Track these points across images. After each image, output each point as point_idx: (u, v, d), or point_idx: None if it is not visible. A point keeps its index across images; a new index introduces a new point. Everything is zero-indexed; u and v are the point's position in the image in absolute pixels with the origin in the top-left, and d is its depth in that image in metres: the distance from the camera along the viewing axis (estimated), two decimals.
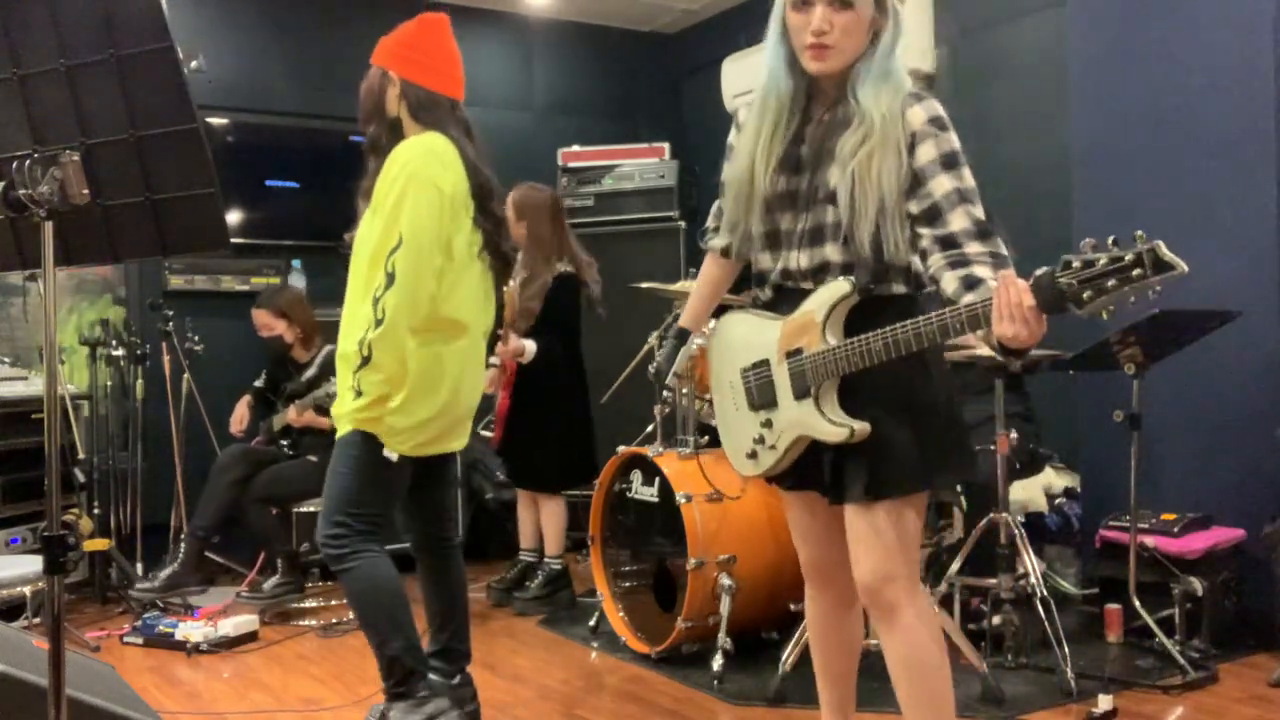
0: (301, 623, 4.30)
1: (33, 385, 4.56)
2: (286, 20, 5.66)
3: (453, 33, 2.95)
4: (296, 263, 5.56)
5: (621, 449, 3.91)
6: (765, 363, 2.13)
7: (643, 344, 4.59)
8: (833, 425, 2.02)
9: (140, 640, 4.01)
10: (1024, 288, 1.72)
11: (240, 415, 4.72)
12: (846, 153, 2.00)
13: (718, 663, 3.40)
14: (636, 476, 3.83)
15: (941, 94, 5.04)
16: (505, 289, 4.01)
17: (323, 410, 4.34)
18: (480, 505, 5.35)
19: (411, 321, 2.67)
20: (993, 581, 3.43)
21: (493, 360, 4.33)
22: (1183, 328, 3.39)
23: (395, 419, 2.70)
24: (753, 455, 2.19)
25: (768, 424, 2.13)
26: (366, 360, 2.66)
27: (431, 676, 2.94)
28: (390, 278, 2.65)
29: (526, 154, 5.76)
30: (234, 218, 5.39)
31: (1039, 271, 1.73)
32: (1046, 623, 3.27)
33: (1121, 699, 3.11)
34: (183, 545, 4.37)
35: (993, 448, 3.40)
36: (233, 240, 5.03)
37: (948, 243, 1.93)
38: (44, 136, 1.98)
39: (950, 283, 1.89)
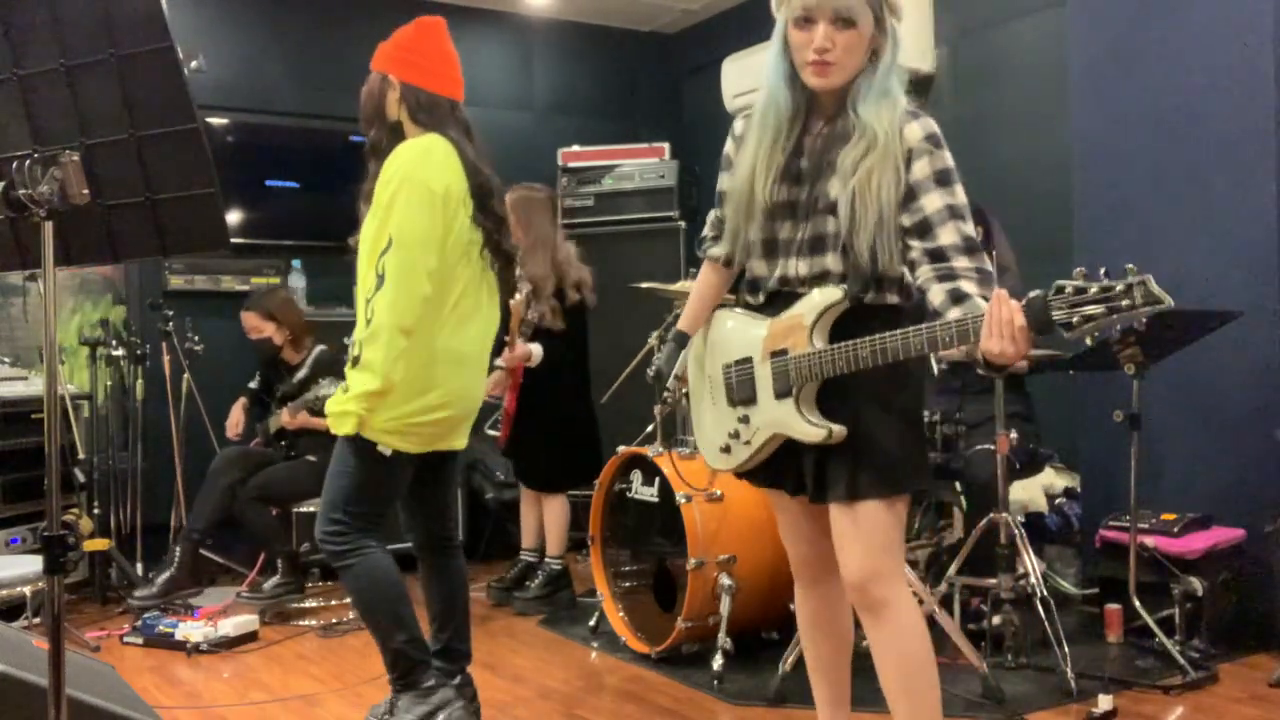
0: (301, 623, 4.30)
1: (33, 385, 4.56)
2: (286, 20, 5.66)
3: (449, 35, 2.96)
4: (296, 263, 5.56)
5: (621, 449, 3.91)
6: (749, 360, 2.19)
7: (643, 344, 4.59)
8: (811, 426, 2.08)
9: (140, 640, 4.01)
10: (1016, 308, 1.79)
11: (236, 419, 4.72)
12: (848, 166, 2.05)
13: (718, 663, 3.40)
14: (636, 476, 3.83)
15: (941, 94, 5.07)
16: (512, 302, 4.02)
17: (317, 412, 4.34)
18: (480, 505, 5.35)
19: (402, 322, 2.67)
20: (993, 581, 3.43)
21: (497, 363, 4.33)
22: (1183, 328, 3.39)
23: (380, 416, 2.71)
24: (726, 449, 2.26)
25: (745, 420, 2.20)
26: (356, 360, 2.69)
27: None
28: (380, 279, 2.67)
29: (526, 154, 5.76)
30: (234, 218, 5.39)
31: (1032, 294, 1.80)
32: (1046, 623, 3.27)
33: (1121, 699, 3.11)
34: (178, 549, 4.38)
35: (993, 448, 3.40)
36: (233, 240, 5.03)
37: (937, 256, 2.00)
38: (44, 136, 1.98)
39: (938, 295, 1.97)
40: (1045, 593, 3.33)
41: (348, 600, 4.55)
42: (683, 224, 5.65)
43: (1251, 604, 3.65)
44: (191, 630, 3.93)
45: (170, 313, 4.88)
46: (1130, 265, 1.72)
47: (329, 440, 2.85)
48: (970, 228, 2.03)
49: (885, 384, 2.07)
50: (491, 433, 4.58)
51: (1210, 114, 3.75)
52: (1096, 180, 4.10)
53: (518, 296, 4.12)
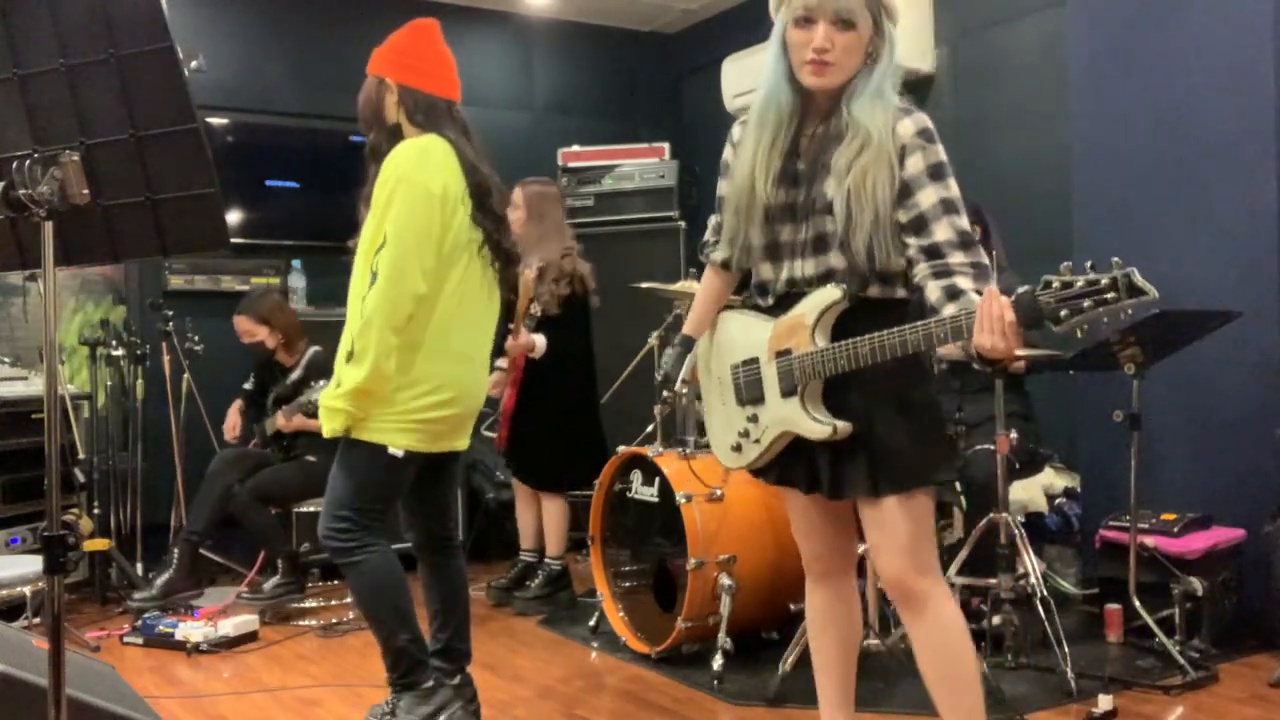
0: (301, 623, 4.30)
1: (33, 385, 4.56)
2: (286, 20, 5.66)
3: (443, 36, 2.97)
4: (296, 263, 5.56)
5: (621, 449, 3.92)
6: (755, 360, 2.23)
7: (643, 344, 4.59)
8: (816, 423, 2.11)
9: (140, 640, 4.01)
10: (1006, 303, 1.82)
11: (233, 422, 4.72)
12: (842, 165, 2.08)
13: (718, 663, 3.40)
14: (636, 476, 3.83)
15: (941, 94, 5.07)
16: (522, 274, 4.03)
17: (312, 414, 4.34)
18: (480, 505, 5.35)
19: (394, 320, 2.68)
20: (993, 581, 3.43)
21: (499, 364, 4.33)
22: (1183, 328, 3.39)
23: (388, 413, 2.72)
24: (737, 448, 2.29)
25: (754, 419, 2.23)
26: (350, 355, 2.71)
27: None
28: (374, 276, 2.69)
29: (526, 154, 5.76)
30: (234, 218, 5.39)
31: (1020, 289, 1.83)
32: (1046, 623, 3.27)
33: (1121, 699, 3.11)
34: (176, 550, 4.38)
35: (992, 448, 3.41)
36: (233, 240, 5.04)
37: (932, 252, 2.03)
38: (44, 136, 1.98)
39: (934, 291, 2.00)
40: (1045, 593, 3.33)
41: (348, 600, 4.55)
42: (683, 224, 5.65)
43: (1251, 604, 3.65)
44: (191, 630, 3.93)
45: (170, 313, 4.88)
46: (1116, 259, 1.75)
47: (327, 441, 2.85)
48: (964, 221, 2.06)
49: (899, 379, 2.10)
50: (488, 434, 4.58)
51: (1210, 114, 3.75)
52: (1096, 180, 4.10)
53: (528, 272, 4.10)
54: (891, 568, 2.16)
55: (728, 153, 2.29)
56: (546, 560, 4.52)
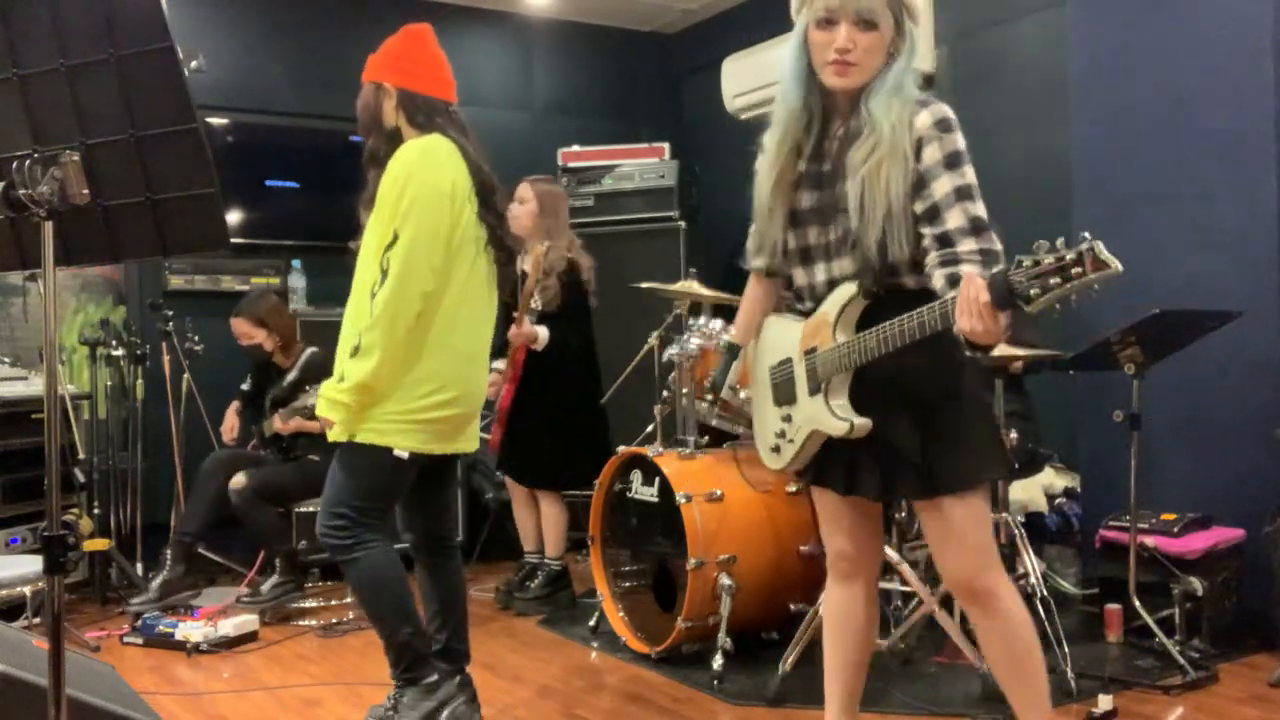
0: (301, 623, 4.30)
1: (33, 385, 4.56)
2: (286, 20, 5.66)
3: (443, 36, 3.00)
4: (296, 263, 5.56)
5: (621, 449, 3.91)
6: (788, 360, 2.26)
7: (643, 344, 4.58)
8: (836, 420, 2.13)
9: (140, 640, 4.01)
10: (981, 285, 1.83)
11: (231, 423, 4.72)
12: (857, 161, 2.09)
13: (718, 663, 3.40)
14: (636, 476, 3.83)
15: (941, 94, 5.07)
16: (534, 251, 4.03)
17: (310, 417, 4.34)
18: (480, 505, 5.35)
19: (405, 318, 2.70)
20: None
21: (495, 365, 4.33)
22: (1183, 328, 3.39)
23: (376, 408, 2.73)
24: (775, 449, 2.32)
25: (788, 419, 2.26)
26: (357, 349, 2.71)
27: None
28: (385, 274, 2.70)
29: (526, 154, 5.76)
30: (234, 218, 5.39)
31: (995, 269, 1.86)
32: (1046, 623, 3.27)
33: (1121, 699, 3.11)
34: (170, 553, 4.38)
35: None
36: (233, 240, 5.04)
37: (943, 241, 2.04)
38: (44, 136, 1.98)
39: (939, 280, 2.01)
40: (1045, 593, 3.33)
41: (348, 600, 4.55)
42: (683, 224, 5.65)
43: (1251, 604, 3.65)
44: (191, 630, 3.93)
45: (170, 313, 4.88)
46: (1085, 234, 1.75)
47: (327, 440, 2.86)
48: (979, 207, 2.05)
49: (946, 377, 2.11)
50: (484, 435, 4.55)
51: (1210, 114, 3.75)
52: (1096, 180, 4.10)
53: (538, 248, 4.09)
54: (953, 567, 2.18)
55: (759, 160, 2.30)
56: (546, 560, 4.51)
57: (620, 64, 6.62)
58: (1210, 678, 3.30)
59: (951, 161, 2.05)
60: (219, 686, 3.56)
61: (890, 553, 3.39)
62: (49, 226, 1.87)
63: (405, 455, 2.77)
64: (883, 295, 2.10)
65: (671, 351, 3.84)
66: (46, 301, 1.92)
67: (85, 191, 1.89)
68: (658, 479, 3.68)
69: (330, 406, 2.75)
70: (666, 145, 5.88)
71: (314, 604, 4.56)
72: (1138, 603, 3.48)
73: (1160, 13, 3.90)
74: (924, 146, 2.06)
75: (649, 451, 3.74)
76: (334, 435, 2.80)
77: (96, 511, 4.70)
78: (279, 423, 4.49)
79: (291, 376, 4.62)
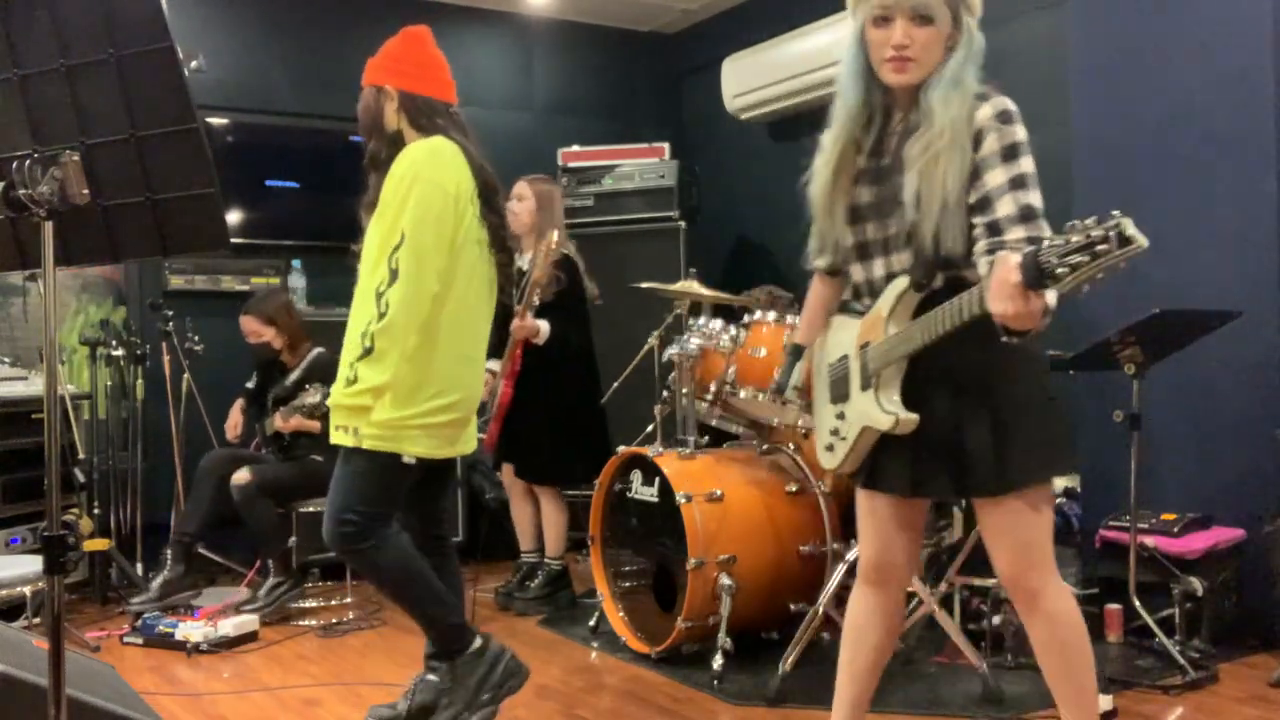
0: (301, 623, 4.30)
1: (33, 385, 4.56)
2: (286, 20, 5.66)
3: (443, 36, 3.01)
4: (296, 263, 5.56)
5: (621, 449, 3.91)
6: (845, 358, 2.26)
7: (642, 344, 4.59)
8: (883, 413, 2.12)
9: (140, 640, 4.01)
10: (1012, 266, 1.80)
11: (234, 421, 4.73)
12: (915, 154, 2.09)
13: (718, 663, 3.40)
14: (636, 476, 3.83)
15: None
16: (546, 241, 4.03)
17: (310, 416, 4.36)
18: (480, 505, 5.35)
19: (416, 318, 2.70)
20: (993, 581, 3.42)
21: (490, 366, 4.32)
22: (1183, 328, 3.39)
23: (383, 413, 2.72)
24: (829, 448, 2.31)
25: (841, 416, 2.26)
26: (369, 351, 2.69)
27: (430, 677, 2.95)
28: (394, 274, 2.69)
29: (526, 154, 5.75)
30: (234, 218, 5.39)
31: (1026, 249, 1.82)
32: None
33: (1121, 699, 3.11)
34: (170, 552, 4.38)
35: None
36: (233, 240, 5.03)
37: (992, 229, 2.03)
38: (44, 136, 1.98)
39: (983, 267, 1.99)
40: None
41: (348, 600, 4.56)
42: (682, 224, 5.65)
43: (1251, 604, 3.65)
44: (191, 630, 3.93)
45: (170, 313, 4.88)
46: (1115, 211, 1.74)
47: (327, 440, 2.85)
48: (1032, 196, 2.04)
49: (1009, 372, 2.11)
50: (479, 435, 4.54)
51: (1210, 114, 3.75)
52: (1097, 180, 4.10)
53: (552, 238, 4.09)
54: (1002, 563, 2.17)
55: (817, 159, 2.30)
56: (546, 560, 4.51)
57: (620, 64, 6.62)
58: (1210, 678, 3.30)
59: (1009, 153, 2.05)
60: (219, 687, 3.56)
61: None
62: (49, 226, 1.87)
63: (413, 461, 2.77)
64: (940, 289, 2.09)
65: (671, 351, 3.84)
66: (46, 301, 1.92)
67: (85, 191, 1.89)
68: (658, 479, 3.68)
69: (347, 413, 2.73)
70: (666, 145, 5.88)
71: (314, 604, 4.56)
72: (1138, 603, 3.48)
73: (1160, 12, 3.90)
74: (983, 138, 2.06)
75: (649, 451, 3.74)
76: (338, 439, 2.79)
77: (96, 511, 4.70)
78: (279, 421, 4.49)
79: (295, 375, 4.62)
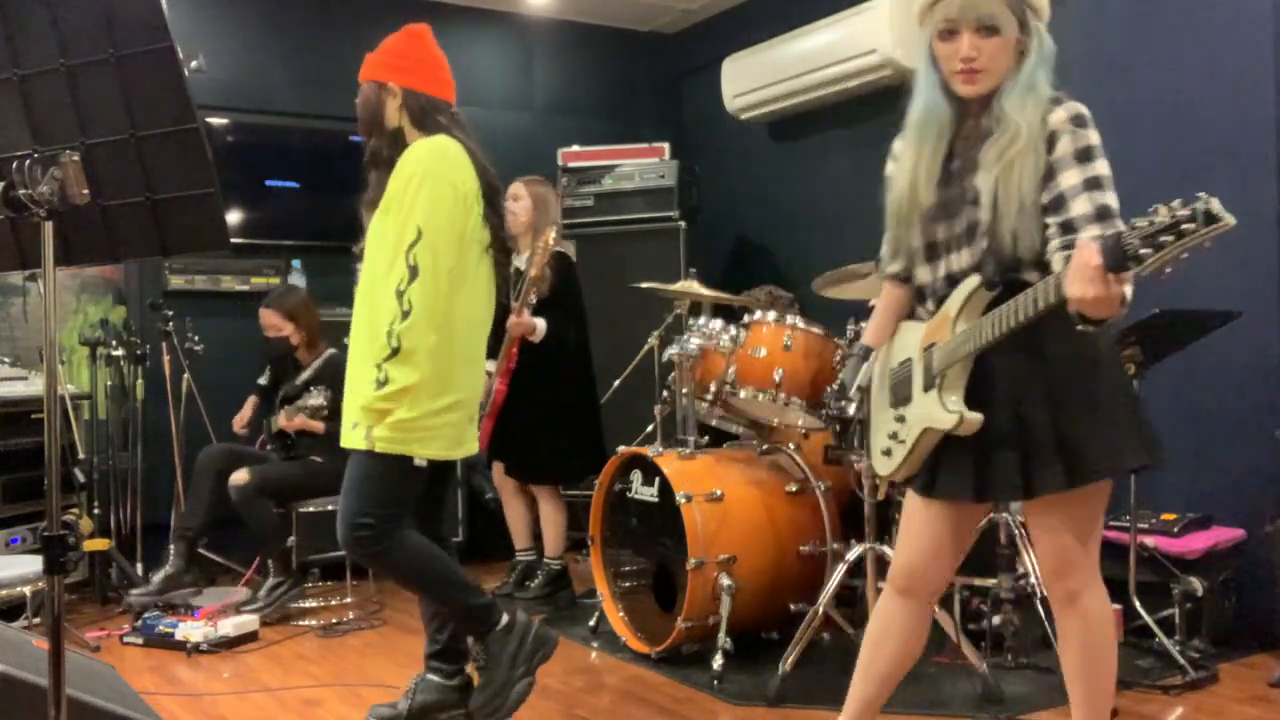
0: (301, 623, 4.30)
1: (33, 385, 4.56)
2: (286, 20, 5.66)
3: (444, 36, 3.00)
4: (296, 263, 5.56)
5: (621, 449, 3.91)
6: (908, 360, 2.26)
7: (642, 344, 4.59)
8: (946, 413, 2.11)
9: (140, 640, 4.01)
10: (1094, 249, 1.81)
11: (244, 416, 4.73)
12: (991, 158, 2.11)
13: (718, 663, 3.40)
14: (636, 476, 3.83)
15: None
16: (543, 237, 4.03)
17: (313, 416, 4.36)
18: (480, 505, 5.35)
19: (435, 316, 2.70)
20: (993, 581, 3.43)
21: (487, 366, 4.32)
22: (1183, 328, 3.39)
23: (408, 412, 2.71)
24: (887, 452, 2.30)
25: (901, 419, 2.25)
26: (396, 351, 2.67)
27: (430, 677, 2.95)
28: (413, 270, 2.68)
29: (526, 154, 5.75)
30: (234, 218, 5.39)
31: (1108, 232, 1.83)
32: (1046, 623, 3.27)
33: (1121, 699, 3.11)
34: (172, 548, 4.38)
35: None
36: (233, 240, 5.00)
37: (1066, 228, 2.04)
38: (44, 136, 1.98)
39: (1058, 262, 2.00)
40: (1045, 593, 3.32)
41: (348, 600, 4.56)
42: (682, 224, 5.64)
43: (1251, 604, 3.65)
44: (191, 630, 3.93)
45: (170, 313, 4.88)
46: (1202, 193, 1.73)
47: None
48: (1108, 197, 2.06)
49: (1076, 365, 2.09)
50: None
51: (1210, 114, 3.75)
52: None
53: (550, 234, 4.09)
54: (1052, 561, 2.17)
55: (890, 167, 2.32)
56: (546, 560, 4.51)
57: (620, 64, 6.62)
58: (1210, 678, 3.30)
59: (1083, 155, 2.07)
60: (219, 687, 3.56)
61: (890, 552, 3.39)
62: (49, 226, 1.87)
63: (424, 463, 2.77)
64: (1003, 291, 2.09)
65: (671, 351, 3.84)
66: (46, 301, 1.92)
67: (85, 191, 1.89)
68: (658, 479, 3.68)
69: (376, 416, 2.69)
70: (666, 145, 5.88)
71: (314, 604, 4.56)
72: (1138, 603, 3.48)
73: (1160, 12, 3.90)
74: (1057, 140, 2.08)
75: (649, 451, 3.74)
76: (351, 441, 2.77)
77: (96, 511, 4.70)
78: (283, 419, 4.51)
79: (306, 375, 4.63)
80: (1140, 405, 2.21)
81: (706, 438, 4.00)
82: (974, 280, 2.12)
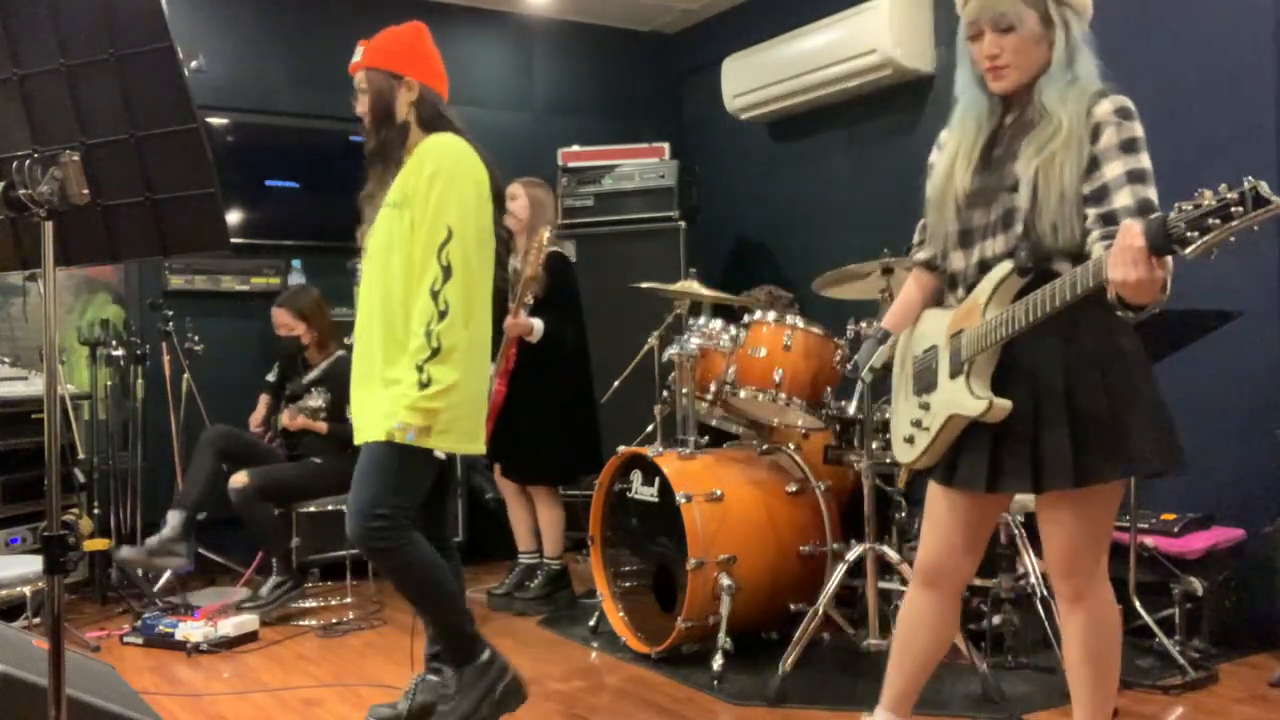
0: (301, 623, 4.30)
1: (33, 385, 4.56)
2: (286, 20, 5.66)
3: (444, 35, 3.02)
4: (296, 263, 5.56)
5: (621, 449, 3.91)
6: (933, 348, 2.26)
7: (642, 344, 4.58)
8: (974, 399, 2.11)
9: (140, 640, 4.01)
10: (1137, 231, 1.81)
11: (259, 415, 4.76)
12: (1032, 150, 2.13)
13: (718, 663, 3.40)
14: (636, 476, 3.83)
15: (941, 94, 5.06)
16: (538, 236, 4.04)
17: (313, 417, 4.36)
18: (480, 505, 5.35)
19: (469, 313, 2.71)
20: (993, 581, 3.43)
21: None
22: (1183, 328, 3.39)
23: (449, 411, 2.72)
24: (909, 440, 2.31)
25: (925, 407, 2.26)
26: (437, 351, 2.67)
27: (430, 677, 2.95)
28: (447, 270, 2.68)
29: (526, 154, 5.76)
30: (234, 218, 5.39)
31: (1153, 215, 1.83)
32: (1046, 623, 3.27)
33: (1122, 699, 3.11)
34: (169, 516, 4.34)
35: None
36: (233, 240, 5.01)
37: (1108, 219, 2.05)
38: (44, 136, 1.98)
39: (1098, 252, 2.00)
40: (1045, 593, 3.33)
41: (348, 600, 4.56)
42: (682, 224, 5.65)
43: (1251, 604, 3.65)
44: (191, 630, 3.93)
45: (170, 313, 4.88)
46: (1249, 177, 1.73)
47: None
48: (1150, 190, 2.06)
49: (1095, 369, 2.10)
50: None
51: (1210, 114, 3.75)
52: None
53: (545, 233, 4.09)
54: (1060, 560, 2.18)
55: (933, 155, 2.35)
56: (545, 560, 4.51)
57: (620, 64, 6.62)
58: (1210, 678, 3.30)
59: (1127, 146, 2.08)
60: (219, 687, 3.56)
61: (890, 552, 3.39)
62: (49, 226, 1.87)
63: (443, 456, 2.77)
64: (1034, 279, 2.09)
65: (671, 351, 3.84)
66: (46, 301, 1.92)
67: (85, 191, 1.89)
68: (658, 479, 3.69)
69: (423, 416, 2.68)
70: (666, 145, 5.88)
71: (314, 604, 4.56)
72: (1138, 603, 3.48)
73: (1159, 12, 3.90)
74: (1101, 131, 2.10)
75: (649, 451, 3.74)
76: (368, 435, 2.77)
77: (96, 511, 4.70)
78: (286, 418, 4.52)
79: (312, 375, 4.65)
80: (1164, 409, 2.20)
81: (706, 438, 4.00)
82: (1006, 266, 2.12)
